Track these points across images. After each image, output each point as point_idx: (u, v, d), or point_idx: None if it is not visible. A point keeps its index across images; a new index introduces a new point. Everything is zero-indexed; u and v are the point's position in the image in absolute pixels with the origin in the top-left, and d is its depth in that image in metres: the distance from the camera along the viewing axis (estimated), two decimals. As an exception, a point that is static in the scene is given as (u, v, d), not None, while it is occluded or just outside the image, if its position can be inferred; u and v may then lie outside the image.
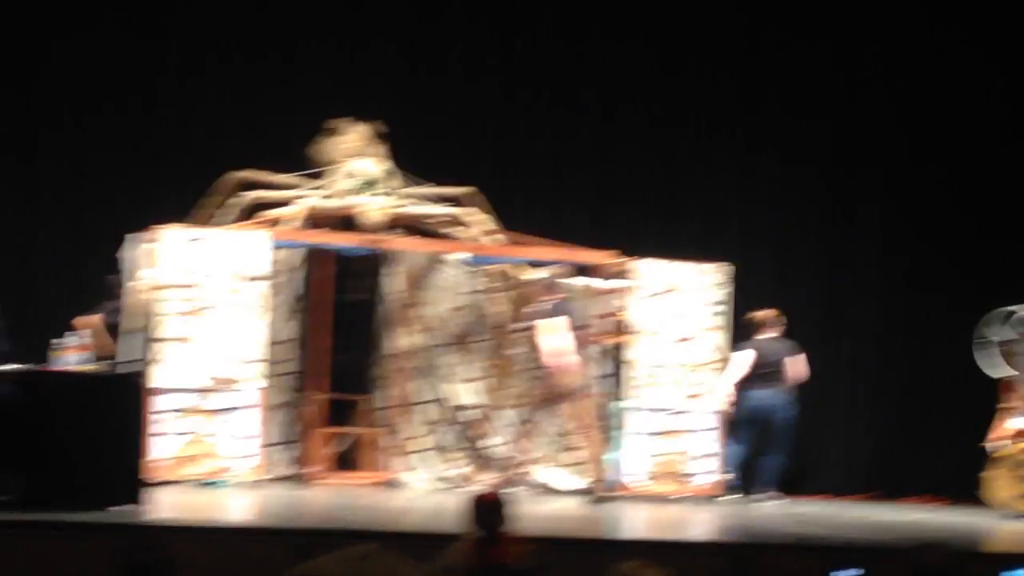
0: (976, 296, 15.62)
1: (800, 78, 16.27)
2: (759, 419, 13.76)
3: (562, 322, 12.42)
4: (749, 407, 13.74)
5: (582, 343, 12.65)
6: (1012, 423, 13.77)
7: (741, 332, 14.06)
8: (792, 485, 14.56)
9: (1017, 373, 13.92)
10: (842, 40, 16.39)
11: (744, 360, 13.72)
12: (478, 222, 13.94)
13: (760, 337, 13.90)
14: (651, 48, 16.00)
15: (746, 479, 13.81)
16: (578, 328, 12.58)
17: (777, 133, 16.24)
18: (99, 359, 11.18)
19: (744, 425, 13.78)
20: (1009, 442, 13.66)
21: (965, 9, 16.47)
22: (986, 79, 16.52)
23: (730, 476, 13.71)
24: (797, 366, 13.83)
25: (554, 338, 12.40)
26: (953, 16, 16.47)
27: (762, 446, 13.87)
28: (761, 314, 14.03)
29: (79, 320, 12.72)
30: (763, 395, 13.72)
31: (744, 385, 13.75)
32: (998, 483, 13.59)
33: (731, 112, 16.20)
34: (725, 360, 13.53)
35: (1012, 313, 13.99)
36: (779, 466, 13.95)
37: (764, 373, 13.70)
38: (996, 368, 14.00)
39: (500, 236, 13.96)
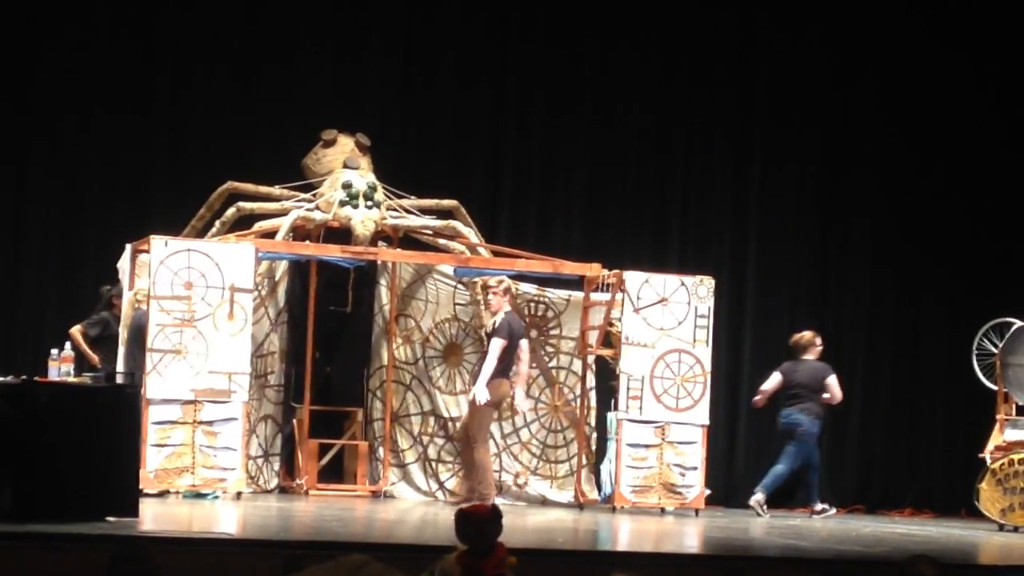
0: (968, 306, 15.65)
1: (793, 87, 16.29)
2: (783, 436, 14.36)
3: (495, 345, 12.86)
4: (779, 425, 14.39)
5: (531, 353, 13.12)
6: (1009, 434, 13.82)
7: (788, 352, 14.56)
8: (783, 498, 14.58)
9: (1009, 385, 13.95)
10: (837, 47, 16.41)
11: (772, 380, 14.41)
12: (464, 235, 13.93)
13: (798, 359, 14.40)
14: (644, 59, 16.00)
15: (791, 494, 14.61)
16: (514, 338, 13.00)
17: (766, 143, 16.24)
18: (82, 371, 11.19)
19: (781, 443, 14.42)
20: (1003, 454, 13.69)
21: (958, 17, 16.48)
22: (980, 85, 16.55)
23: (758, 499, 14.07)
24: (830, 389, 14.33)
25: (485, 361, 12.95)
26: (947, 23, 16.48)
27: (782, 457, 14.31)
28: (798, 337, 14.53)
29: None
30: (786, 413, 14.32)
31: (779, 405, 14.41)
32: (987, 495, 13.63)
33: (723, 122, 16.19)
34: (710, 373, 13.61)
35: (1010, 324, 14.03)
36: (780, 478, 14.12)
37: (790, 394, 14.35)
38: (995, 380, 14.09)
39: (484, 249, 13.97)
